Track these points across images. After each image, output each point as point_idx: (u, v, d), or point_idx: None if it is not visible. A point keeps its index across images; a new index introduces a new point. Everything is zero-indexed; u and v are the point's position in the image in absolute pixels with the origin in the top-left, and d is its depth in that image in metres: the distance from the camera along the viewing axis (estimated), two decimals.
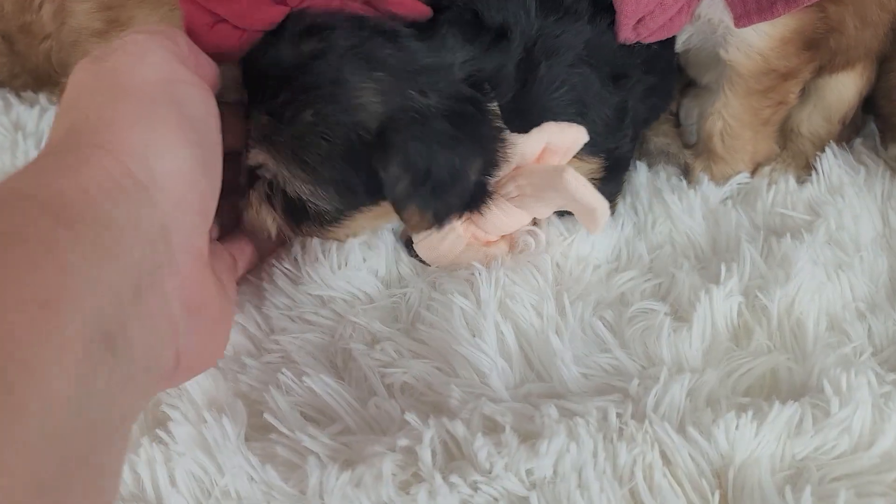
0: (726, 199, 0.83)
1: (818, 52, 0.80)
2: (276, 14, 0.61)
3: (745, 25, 0.72)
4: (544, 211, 0.72)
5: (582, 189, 0.66)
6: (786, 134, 0.92)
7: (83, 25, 0.80)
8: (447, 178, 0.61)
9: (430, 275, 0.72)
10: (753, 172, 0.88)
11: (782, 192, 0.83)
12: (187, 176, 0.48)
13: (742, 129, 0.84)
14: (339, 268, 0.71)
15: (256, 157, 0.62)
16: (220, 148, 0.55)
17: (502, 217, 0.69)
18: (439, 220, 0.64)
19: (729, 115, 0.83)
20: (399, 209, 0.62)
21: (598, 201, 0.68)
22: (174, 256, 0.47)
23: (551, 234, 0.74)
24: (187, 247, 0.49)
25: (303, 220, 0.65)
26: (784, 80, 0.80)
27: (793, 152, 0.92)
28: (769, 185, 0.84)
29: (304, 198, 0.63)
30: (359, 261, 0.72)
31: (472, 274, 0.68)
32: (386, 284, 0.72)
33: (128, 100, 0.47)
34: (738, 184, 0.85)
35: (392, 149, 0.59)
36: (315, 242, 0.72)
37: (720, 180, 0.86)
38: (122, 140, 0.45)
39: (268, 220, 0.66)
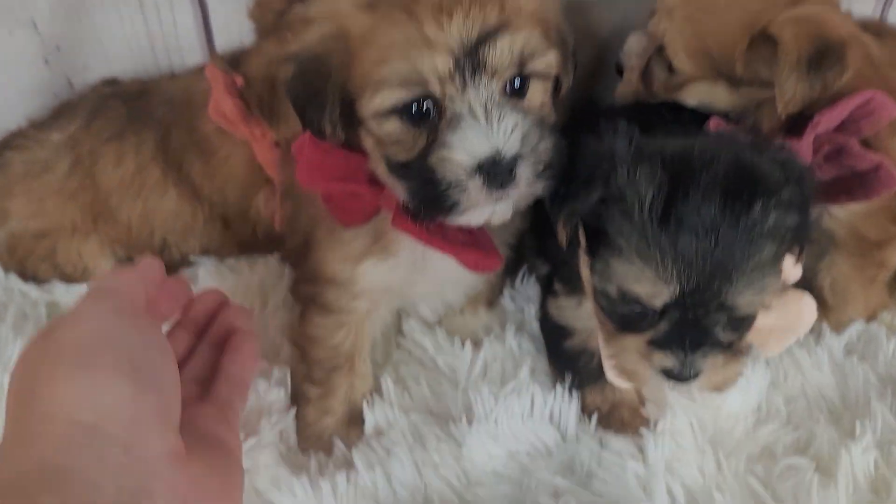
0: (850, 352, 0.92)
1: None
2: None
3: None
4: None
5: (810, 317, 0.71)
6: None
7: None
8: None
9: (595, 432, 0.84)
10: (869, 319, 0.96)
11: None
12: (133, 397, 0.54)
13: (849, 283, 0.92)
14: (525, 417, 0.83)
15: None
16: (169, 360, 0.60)
17: None
18: None
19: (836, 272, 0.91)
20: None
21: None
22: (149, 468, 0.52)
23: None
24: (158, 453, 0.54)
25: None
26: (878, 248, 0.87)
27: None
28: (888, 336, 0.93)
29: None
30: (541, 406, 0.83)
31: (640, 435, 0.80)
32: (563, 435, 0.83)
33: (64, 360, 0.54)
34: (857, 332, 0.94)
35: None
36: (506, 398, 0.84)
37: (836, 328, 0.94)
38: (63, 395, 0.53)
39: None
